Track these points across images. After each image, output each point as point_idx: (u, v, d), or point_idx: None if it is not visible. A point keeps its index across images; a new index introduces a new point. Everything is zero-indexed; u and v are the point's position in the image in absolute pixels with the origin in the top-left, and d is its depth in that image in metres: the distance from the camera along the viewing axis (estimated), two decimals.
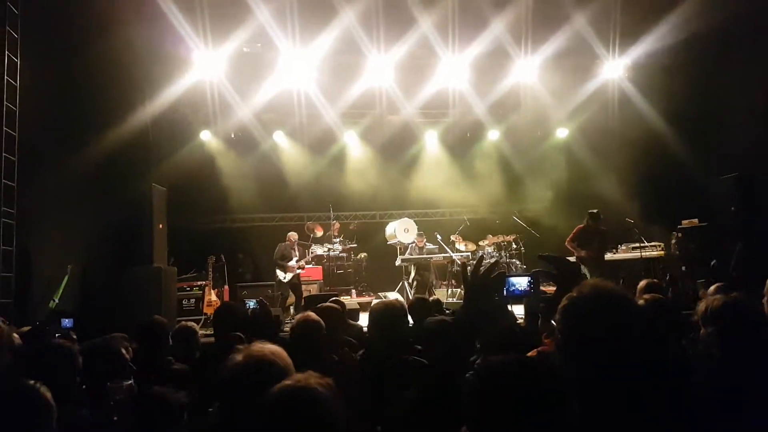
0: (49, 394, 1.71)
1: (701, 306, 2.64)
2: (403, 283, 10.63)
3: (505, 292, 2.00)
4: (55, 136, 7.69)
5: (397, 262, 10.71)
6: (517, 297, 2.41)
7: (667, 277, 9.03)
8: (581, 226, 8.62)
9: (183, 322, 4.13)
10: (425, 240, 10.91)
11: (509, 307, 3.85)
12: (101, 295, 8.30)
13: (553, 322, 1.84)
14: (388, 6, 9.71)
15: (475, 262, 1.67)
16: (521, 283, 2.06)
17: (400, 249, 10.91)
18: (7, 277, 6.34)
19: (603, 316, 1.56)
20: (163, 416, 2.27)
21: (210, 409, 2.02)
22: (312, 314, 3.29)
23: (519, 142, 12.27)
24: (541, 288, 3.14)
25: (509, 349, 2.08)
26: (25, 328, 4.19)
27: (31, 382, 1.71)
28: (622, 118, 11.51)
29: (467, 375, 1.26)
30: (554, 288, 2.04)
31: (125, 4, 9.01)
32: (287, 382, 1.44)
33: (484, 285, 1.75)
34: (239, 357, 1.78)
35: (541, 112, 11.59)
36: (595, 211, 8.69)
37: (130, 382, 2.70)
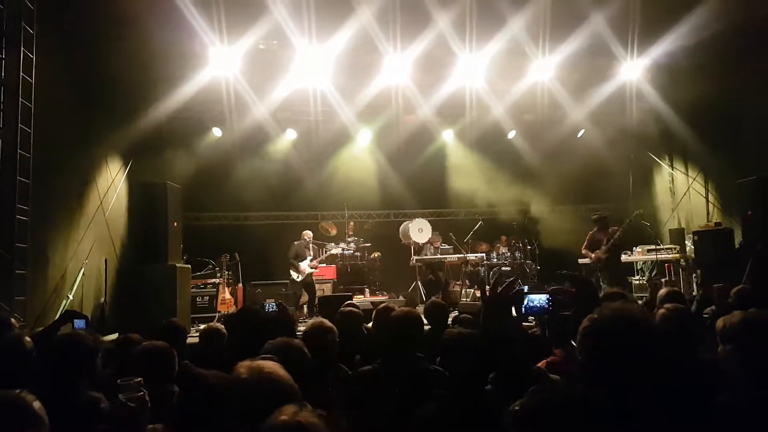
0: (38, 404, 1.62)
1: (719, 322, 2.57)
2: (416, 283, 10.61)
3: (523, 310, 1.97)
4: (69, 132, 7.72)
5: (411, 262, 10.67)
6: (536, 314, 2.36)
7: (695, 286, 8.93)
8: (591, 231, 8.83)
9: (211, 324, 4.15)
10: (441, 240, 10.89)
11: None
12: (116, 292, 8.37)
13: (573, 342, 1.79)
14: (405, 4, 9.63)
15: (494, 279, 1.64)
16: (540, 300, 2.02)
17: (414, 249, 10.87)
18: (21, 274, 6.36)
19: (623, 339, 1.57)
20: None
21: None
22: (326, 321, 3.28)
23: (536, 143, 12.08)
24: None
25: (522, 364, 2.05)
26: (38, 329, 4.21)
27: (18, 391, 1.61)
28: (640, 119, 11.35)
29: (514, 407, 1.23)
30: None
31: (140, 0, 9.03)
32: (283, 417, 1.42)
33: (502, 303, 1.71)
34: (243, 372, 1.75)
35: (558, 112, 11.45)
36: (594, 216, 8.95)
37: (139, 379, 2.70)
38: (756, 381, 2.19)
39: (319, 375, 3.03)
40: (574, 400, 1.21)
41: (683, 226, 11.45)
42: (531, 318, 3.91)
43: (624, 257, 10.29)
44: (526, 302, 2.00)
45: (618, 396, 1.50)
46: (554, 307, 1.94)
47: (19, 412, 1.53)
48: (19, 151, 6.42)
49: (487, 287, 1.90)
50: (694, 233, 10.00)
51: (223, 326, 3.88)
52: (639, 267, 10.91)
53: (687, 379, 2.15)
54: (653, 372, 1.57)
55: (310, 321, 3.37)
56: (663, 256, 10.11)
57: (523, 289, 1.76)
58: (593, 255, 8.54)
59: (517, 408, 1.19)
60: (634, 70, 10.81)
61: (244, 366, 1.78)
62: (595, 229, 8.73)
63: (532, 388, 1.22)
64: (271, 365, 1.80)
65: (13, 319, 4.01)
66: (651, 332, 1.66)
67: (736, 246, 9.06)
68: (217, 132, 11.34)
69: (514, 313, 2.03)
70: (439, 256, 10.70)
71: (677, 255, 10.14)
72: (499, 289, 1.89)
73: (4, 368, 2.64)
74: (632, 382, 1.54)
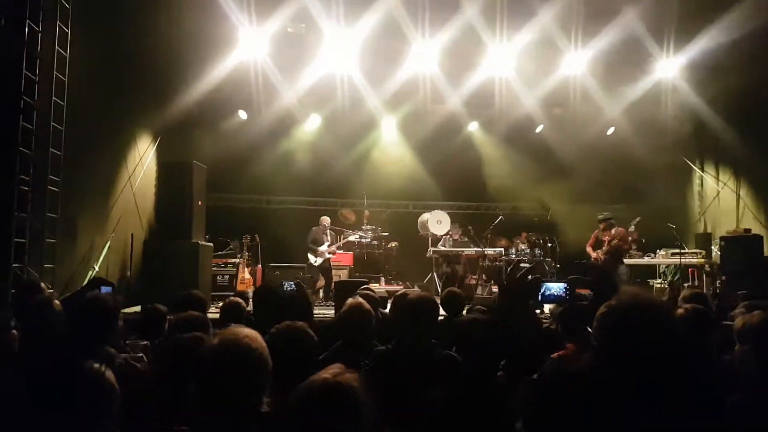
0: (111, 374, 1.58)
1: (738, 322, 2.54)
2: (432, 275, 10.59)
3: (540, 297, 1.97)
4: (101, 107, 7.86)
5: (428, 254, 10.66)
6: (552, 302, 2.40)
7: (715, 290, 8.79)
8: (596, 230, 8.94)
9: (231, 298, 4.23)
10: (461, 232, 10.83)
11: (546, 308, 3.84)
12: (140, 266, 8.56)
13: (589, 328, 1.80)
14: None
15: (511, 266, 1.66)
16: (557, 288, 2.02)
17: (432, 240, 10.85)
18: (51, 243, 6.56)
19: (640, 325, 1.56)
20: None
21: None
22: (365, 303, 3.33)
23: (565, 137, 11.73)
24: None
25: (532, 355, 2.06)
26: (67, 294, 4.35)
27: (96, 365, 1.56)
28: (675, 118, 11.08)
29: (533, 377, 1.25)
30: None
31: None
32: (325, 376, 1.42)
33: (519, 290, 1.72)
34: (216, 340, 1.76)
35: (590, 107, 11.19)
36: (600, 216, 8.97)
37: (145, 342, 2.80)
38: None
39: (341, 355, 3.07)
40: (591, 374, 1.23)
41: (710, 230, 11.22)
42: (547, 311, 3.92)
43: (646, 259, 10.19)
44: (543, 290, 2.01)
45: (631, 381, 1.50)
46: (571, 296, 1.95)
47: (96, 384, 1.51)
48: (52, 123, 6.58)
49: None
50: (721, 238, 9.79)
51: (242, 300, 3.96)
52: (662, 270, 10.72)
53: (702, 374, 2.14)
54: (668, 360, 1.56)
55: (349, 300, 3.39)
56: (687, 260, 9.94)
57: (540, 277, 1.76)
58: (594, 254, 8.76)
59: (534, 377, 1.21)
60: (670, 68, 10.55)
61: (220, 333, 1.79)
62: (601, 229, 8.86)
63: (549, 361, 1.23)
64: (250, 335, 1.77)
65: (42, 285, 4.16)
66: (669, 320, 1.65)
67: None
68: (242, 115, 11.41)
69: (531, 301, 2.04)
70: (456, 248, 10.63)
71: (702, 260, 9.95)
72: (518, 275, 1.90)
73: (35, 328, 2.75)
74: (646, 370, 1.53)
